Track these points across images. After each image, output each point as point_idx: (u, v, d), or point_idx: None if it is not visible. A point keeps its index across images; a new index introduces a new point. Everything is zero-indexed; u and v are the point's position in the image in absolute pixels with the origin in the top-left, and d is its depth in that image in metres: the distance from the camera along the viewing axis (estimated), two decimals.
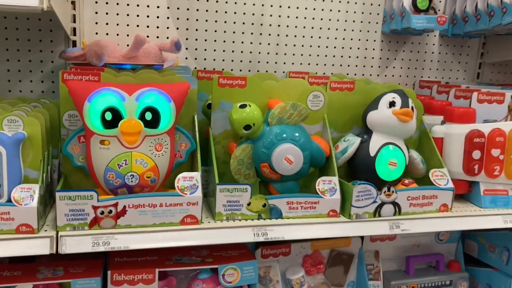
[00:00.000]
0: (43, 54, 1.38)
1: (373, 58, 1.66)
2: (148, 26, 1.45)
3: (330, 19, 1.58)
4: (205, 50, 1.50)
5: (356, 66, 1.65)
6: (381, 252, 1.45)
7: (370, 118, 1.21)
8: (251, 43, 1.53)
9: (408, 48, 1.69)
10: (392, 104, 1.19)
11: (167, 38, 1.46)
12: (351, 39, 1.62)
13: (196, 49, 1.50)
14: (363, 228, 1.15)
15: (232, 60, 1.53)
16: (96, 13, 1.40)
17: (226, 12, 1.49)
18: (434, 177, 1.23)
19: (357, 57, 1.64)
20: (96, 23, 1.41)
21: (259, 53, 1.54)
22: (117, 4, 1.41)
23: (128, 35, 1.43)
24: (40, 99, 1.21)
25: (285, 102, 1.12)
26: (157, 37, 1.45)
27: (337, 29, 1.60)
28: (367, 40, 1.64)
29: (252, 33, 1.53)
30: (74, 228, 0.98)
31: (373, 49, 1.65)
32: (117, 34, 1.43)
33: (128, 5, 1.42)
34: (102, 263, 1.13)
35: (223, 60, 1.52)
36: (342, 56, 1.62)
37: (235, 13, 1.50)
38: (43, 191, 0.99)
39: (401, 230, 1.17)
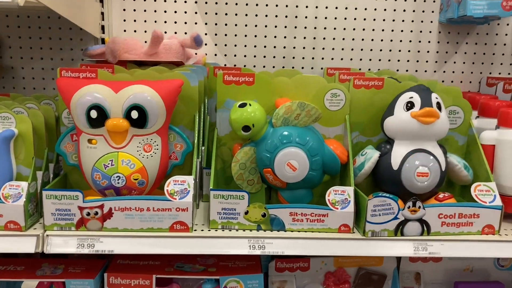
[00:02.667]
0: (73, 53, 1.40)
1: (428, 52, 1.45)
2: (175, 22, 1.40)
3: (376, 8, 1.41)
4: (235, 46, 1.42)
5: (408, 61, 1.46)
6: (423, 274, 1.26)
7: (387, 126, 1.04)
8: (284, 37, 1.42)
9: (473, 39, 1.46)
10: (410, 105, 1.01)
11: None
12: (402, 31, 1.44)
13: (225, 45, 1.42)
14: (381, 248, 0.99)
15: (265, 56, 1.43)
16: (124, 10, 1.39)
17: (257, 4, 1.40)
18: (477, 192, 1.02)
19: (409, 51, 1.45)
20: (124, 20, 1.39)
21: (294, 48, 1.43)
22: (144, 0, 1.38)
23: None
24: (55, 96, 1.22)
25: (291, 101, 1.00)
26: (185, 33, 1.40)
27: (384, 20, 1.42)
28: (421, 31, 1.44)
29: (285, 27, 1.42)
30: (61, 228, 0.96)
31: (429, 42, 1.45)
32: (145, 31, 1.40)
33: (155, 0, 1.38)
34: (103, 264, 1.11)
35: (255, 56, 1.43)
36: (390, 50, 1.45)
37: (266, 5, 1.40)
38: (35, 189, 0.98)
39: (429, 253, 0.99)
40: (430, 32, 1.44)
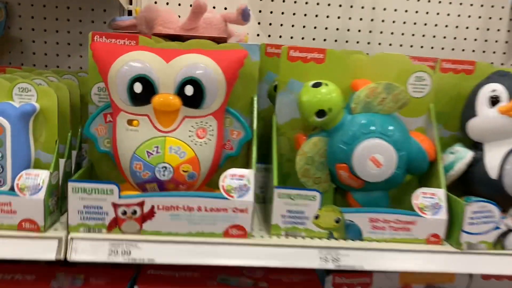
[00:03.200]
0: (95, 25, 1.21)
1: (496, 41, 1.29)
2: None
3: None
4: (281, 25, 1.25)
5: (473, 51, 1.29)
6: None
7: (472, 129, 0.87)
8: (338, 17, 1.25)
9: None
10: (494, 101, 0.84)
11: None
12: (469, 16, 1.27)
13: (270, 24, 1.24)
14: (478, 264, 0.82)
15: (314, 39, 1.26)
16: None
17: None
18: None
19: (475, 39, 1.29)
20: None
21: (348, 30, 1.25)
22: None
23: (191, 5, 1.21)
24: (78, 72, 1.03)
25: (376, 83, 0.83)
26: (225, 8, 1.22)
27: (450, 3, 1.26)
28: (490, 18, 1.27)
29: (340, 5, 1.24)
30: (90, 230, 0.76)
31: (498, 30, 1.28)
32: (179, 4, 1.22)
33: None
34: (130, 275, 0.92)
35: (303, 38, 1.25)
36: (455, 38, 1.28)
37: None
38: (56, 180, 0.79)
39: None
40: (501, 19, 1.28)
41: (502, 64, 1.30)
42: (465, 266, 0.82)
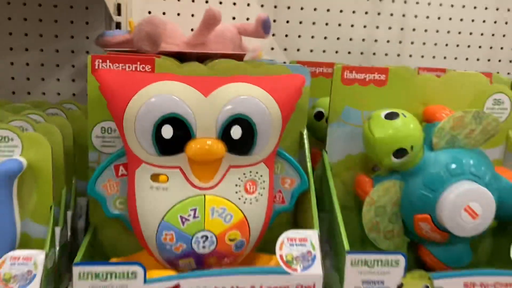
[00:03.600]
0: (75, 41, 0.99)
1: None
2: (220, 3, 1.03)
3: None
4: (299, 37, 1.06)
5: (511, 62, 1.16)
6: None
7: None
8: (364, 26, 1.08)
9: None
10: None
11: (247, 19, 1.03)
12: (506, 23, 1.14)
13: (286, 35, 1.06)
14: None
15: (337, 52, 1.08)
16: None
17: None
18: None
19: None
20: None
21: (375, 41, 1.09)
22: None
23: (193, 15, 1.02)
24: (62, 103, 0.81)
25: (463, 111, 0.66)
26: (233, 18, 1.03)
27: (486, 8, 1.12)
28: None
29: (366, 13, 1.08)
30: None
31: None
32: (178, 14, 1.02)
33: None
34: None
35: (324, 51, 1.08)
36: (491, 48, 1.14)
37: None
38: (53, 261, 0.58)
39: None
40: None
41: None
42: None
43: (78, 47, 0.99)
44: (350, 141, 0.71)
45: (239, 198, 0.58)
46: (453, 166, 0.64)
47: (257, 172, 0.59)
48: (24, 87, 0.99)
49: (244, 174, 0.59)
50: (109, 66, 0.63)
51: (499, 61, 1.15)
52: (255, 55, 1.00)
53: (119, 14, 0.99)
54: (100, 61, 0.62)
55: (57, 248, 0.60)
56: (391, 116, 0.64)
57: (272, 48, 1.06)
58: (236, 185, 0.58)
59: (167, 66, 0.65)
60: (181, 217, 0.57)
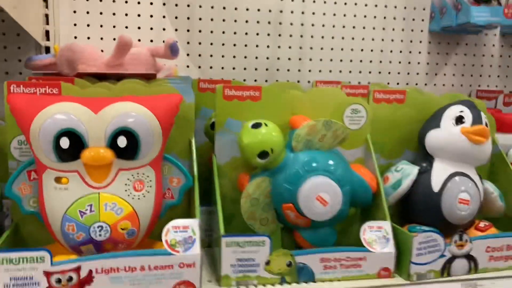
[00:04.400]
0: (8, 64, 1.11)
1: (419, 63, 1.34)
2: (139, 28, 1.17)
3: (365, 15, 1.28)
4: (211, 56, 1.21)
5: (399, 73, 1.33)
6: None
7: (430, 139, 0.90)
8: (267, 46, 1.24)
9: (462, 50, 1.37)
10: (459, 119, 0.88)
11: (163, 42, 1.17)
12: (392, 40, 1.31)
13: (199, 55, 1.21)
14: None
15: (245, 68, 1.23)
16: (75, 12, 1.12)
17: (236, 8, 1.20)
18: None
19: (400, 62, 1.33)
20: (75, 24, 1.13)
21: (278, 58, 1.25)
22: (100, 0, 1.13)
23: (114, 39, 1.14)
24: None
25: (315, 120, 0.81)
26: (151, 40, 1.17)
27: (374, 28, 1.29)
28: (411, 41, 1.33)
29: (269, 34, 1.23)
30: None
31: (419, 52, 1.34)
32: (101, 38, 1.15)
33: (114, 1, 1.14)
34: None
35: (234, 68, 1.23)
36: (381, 62, 1.31)
37: (247, 9, 1.21)
38: None
39: None
40: (421, 42, 1.33)
41: (425, 84, 1.36)
42: None
43: (11, 69, 1.11)
44: (234, 146, 0.86)
45: (128, 195, 0.72)
46: (308, 164, 0.80)
47: (143, 173, 0.74)
48: None
49: (132, 175, 0.73)
50: (23, 90, 0.76)
51: (389, 73, 1.33)
52: (170, 73, 1.14)
53: (48, 39, 1.12)
54: (15, 86, 0.76)
55: None
56: (256, 126, 0.80)
57: (188, 66, 1.20)
58: (126, 184, 0.72)
59: (72, 88, 0.78)
60: (80, 212, 0.70)
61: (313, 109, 0.87)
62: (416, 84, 1.35)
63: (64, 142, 0.68)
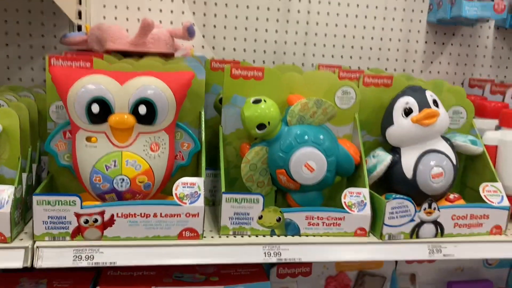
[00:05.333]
0: (45, 40, 1.26)
1: (416, 51, 1.45)
2: (161, 11, 1.30)
3: (367, 6, 1.39)
4: (224, 38, 1.34)
5: (396, 60, 1.45)
6: (418, 275, 1.25)
7: (389, 137, 1.01)
8: (276, 31, 1.36)
9: (457, 40, 1.48)
10: (408, 111, 0.99)
11: (182, 24, 1.30)
12: (391, 29, 1.42)
13: (214, 37, 1.34)
14: (397, 252, 0.96)
15: (255, 51, 1.36)
16: None
17: None
18: (486, 192, 1.02)
19: (398, 50, 1.44)
20: (104, 6, 1.27)
21: (285, 43, 1.37)
22: None
23: (138, 20, 1.29)
24: (33, 88, 1.08)
25: (307, 98, 0.94)
26: (171, 22, 1.30)
27: (375, 17, 1.41)
28: (409, 30, 1.43)
29: (277, 20, 1.36)
30: (54, 238, 0.84)
31: (417, 41, 1.45)
32: (127, 19, 1.29)
33: None
34: (92, 276, 0.99)
35: (244, 50, 1.36)
36: (380, 49, 1.43)
37: None
38: (21, 193, 0.86)
39: (443, 255, 0.97)
40: (419, 32, 1.44)
41: (421, 71, 1.47)
42: (388, 254, 0.95)
43: (47, 44, 1.26)
44: (238, 119, 0.99)
45: (146, 154, 0.87)
46: (300, 136, 0.93)
47: (159, 137, 0.88)
48: (5, 74, 1.26)
49: (149, 138, 0.87)
50: (61, 63, 0.90)
51: (387, 59, 1.44)
52: (187, 53, 1.28)
53: (80, 18, 1.26)
54: (54, 59, 0.90)
55: (24, 186, 0.88)
56: (256, 101, 0.93)
57: (203, 47, 1.34)
58: (144, 145, 0.87)
59: (102, 63, 0.92)
60: (106, 166, 0.85)
61: (308, 89, 1.00)
62: (412, 71, 1.46)
63: (95, 108, 0.83)
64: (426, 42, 1.45)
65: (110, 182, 0.85)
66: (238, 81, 0.99)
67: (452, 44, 1.47)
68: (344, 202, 0.95)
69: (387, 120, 1.01)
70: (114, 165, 0.85)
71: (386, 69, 1.44)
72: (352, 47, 1.41)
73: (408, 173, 0.98)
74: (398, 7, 1.41)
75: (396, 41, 1.43)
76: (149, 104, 0.84)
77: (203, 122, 0.97)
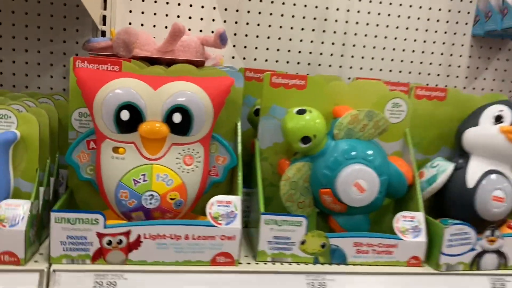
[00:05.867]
0: (66, 46, 1.18)
1: (459, 66, 1.36)
2: (190, 18, 1.22)
3: (409, 17, 1.30)
4: (255, 48, 1.26)
5: (438, 75, 1.35)
6: None
7: (468, 137, 0.92)
8: (311, 41, 1.28)
9: (504, 56, 1.38)
10: (498, 118, 0.90)
11: (212, 32, 1.22)
12: (434, 42, 1.33)
13: (245, 46, 1.25)
14: (455, 285, 0.85)
15: (288, 62, 1.28)
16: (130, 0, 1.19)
17: (283, 3, 1.25)
18: None
19: (440, 64, 1.35)
20: (130, 11, 1.20)
21: (321, 54, 1.28)
22: None
23: (166, 27, 1.21)
24: (53, 95, 1.00)
25: (357, 110, 0.85)
26: (200, 30, 1.22)
27: (417, 29, 1.32)
28: (453, 44, 1.34)
29: (313, 30, 1.27)
30: (73, 261, 0.74)
31: (460, 56, 1.35)
32: (154, 26, 1.21)
33: None
34: None
35: (277, 61, 1.27)
36: (421, 63, 1.34)
37: (294, 4, 1.25)
38: (37, 210, 0.76)
39: None
40: (462, 45, 1.35)
41: (464, 87, 1.37)
42: (445, 287, 0.85)
43: (69, 50, 1.18)
44: (276, 132, 0.90)
45: (179, 168, 0.77)
46: (348, 152, 0.84)
47: (194, 149, 0.79)
48: (23, 82, 1.18)
49: (183, 150, 0.78)
50: (87, 65, 0.82)
51: (428, 74, 1.34)
52: (216, 62, 1.19)
53: (104, 23, 1.19)
54: (80, 61, 0.82)
55: (41, 202, 0.79)
56: (301, 112, 0.84)
57: (233, 57, 1.25)
58: (177, 158, 0.77)
59: (131, 67, 0.84)
60: (134, 180, 0.76)
61: (355, 100, 0.91)
62: (455, 86, 1.36)
63: (124, 115, 0.74)
64: (470, 57, 1.36)
65: (138, 198, 0.76)
66: (278, 90, 0.90)
67: (498, 59, 1.38)
68: (397, 227, 0.85)
69: (471, 121, 0.93)
70: (144, 180, 0.76)
71: (427, 84, 1.34)
72: (392, 60, 1.32)
73: (471, 183, 0.88)
74: (441, 18, 1.32)
75: (438, 54, 1.34)
76: (185, 111, 0.75)
77: (239, 135, 0.88)
